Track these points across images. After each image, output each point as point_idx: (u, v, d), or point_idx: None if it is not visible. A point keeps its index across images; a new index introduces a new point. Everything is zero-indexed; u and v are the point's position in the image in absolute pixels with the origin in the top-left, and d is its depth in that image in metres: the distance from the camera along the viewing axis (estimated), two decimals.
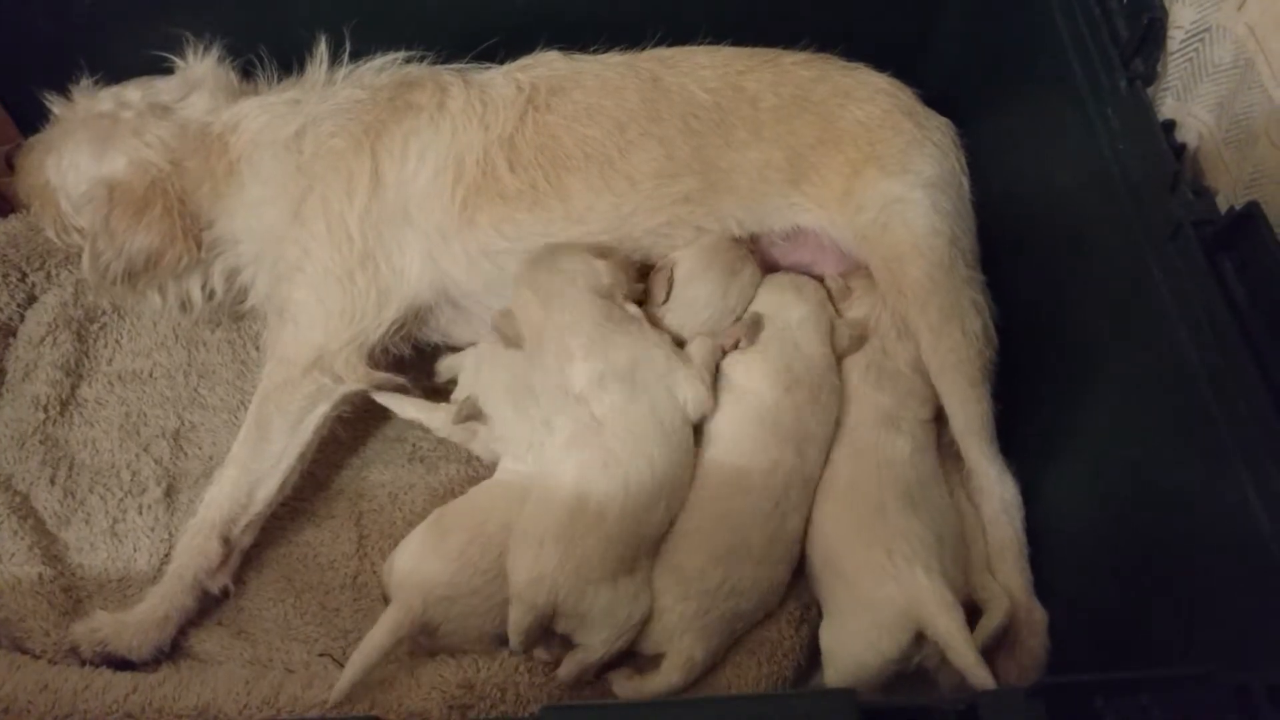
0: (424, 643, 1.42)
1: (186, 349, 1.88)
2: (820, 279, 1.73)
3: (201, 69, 1.73)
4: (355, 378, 1.63)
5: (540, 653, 1.41)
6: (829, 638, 1.41)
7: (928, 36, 1.91)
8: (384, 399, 1.68)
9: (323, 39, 1.73)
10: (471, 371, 1.69)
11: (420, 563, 1.43)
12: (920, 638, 1.32)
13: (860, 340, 1.63)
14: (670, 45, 1.77)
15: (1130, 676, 0.87)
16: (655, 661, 1.40)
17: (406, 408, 1.69)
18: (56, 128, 1.73)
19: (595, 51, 1.77)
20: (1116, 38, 1.40)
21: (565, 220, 1.65)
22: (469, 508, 1.53)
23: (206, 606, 1.58)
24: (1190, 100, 1.36)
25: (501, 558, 1.42)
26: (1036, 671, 1.41)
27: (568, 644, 1.40)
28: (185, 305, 1.77)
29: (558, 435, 1.48)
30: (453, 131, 1.65)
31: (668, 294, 1.64)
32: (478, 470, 1.72)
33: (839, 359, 1.63)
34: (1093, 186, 1.40)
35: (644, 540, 1.42)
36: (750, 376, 1.57)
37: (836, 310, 1.69)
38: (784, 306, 1.64)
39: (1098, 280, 1.40)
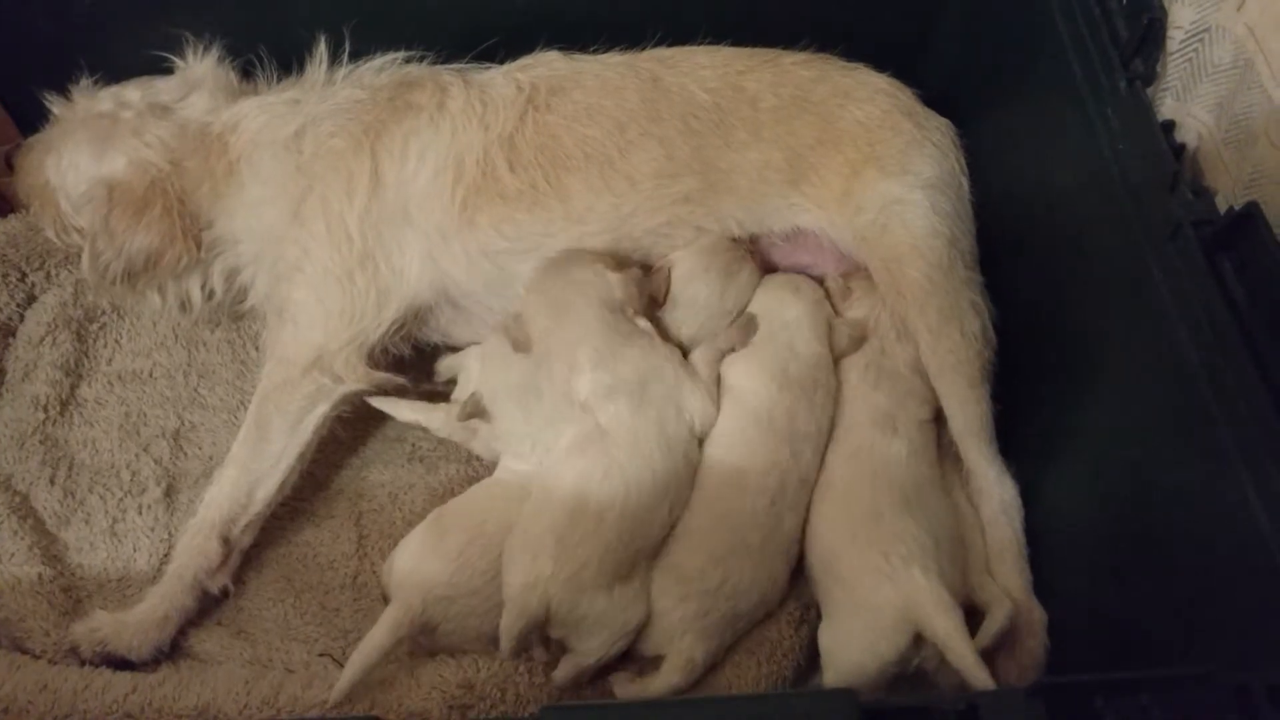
0: (424, 642, 1.42)
1: (186, 349, 1.88)
2: (820, 281, 1.73)
3: (201, 69, 1.73)
4: (355, 378, 1.62)
5: (538, 653, 1.41)
6: (827, 640, 1.41)
7: (928, 36, 1.91)
8: (381, 403, 1.68)
9: (323, 39, 1.73)
10: (474, 371, 1.68)
11: (420, 562, 1.43)
12: (918, 640, 1.32)
13: (859, 340, 1.63)
14: (670, 45, 1.77)
15: (1130, 676, 0.87)
16: (655, 663, 1.40)
17: (404, 411, 1.69)
18: (56, 128, 1.73)
19: (595, 51, 1.77)
20: (1116, 38, 1.40)
21: (565, 220, 1.65)
22: (468, 508, 1.53)
23: (206, 606, 1.58)
24: (1190, 100, 1.36)
25: (501, 558, 1.42)
26: (1036, 672, 1.41)
27: (563, 648, 1.40)
28: (185, 305, 1.77)
29: (560, 441, 1.48)
30: (453, 131, 1.65)
31: (665, 295, 1.64)
32: (477, 470, 1.72)
33: (837, 359, 1.63)
34: (1093, 186, 1.40)
35: (642, 548, 1.41)
36: (743, 376, 1.57)
37: (836, 311, 1.69)
38: (780, 306, 1.64)
39: (1098, 280, 1.40)
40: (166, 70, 1.75)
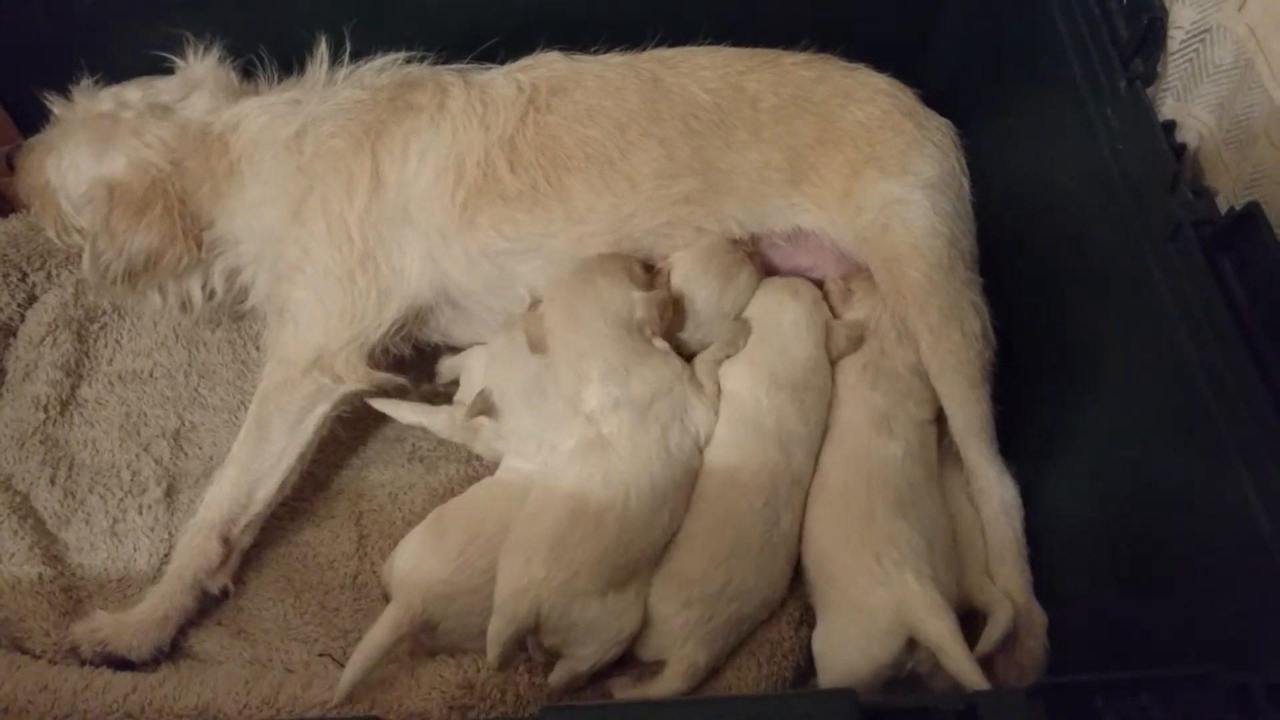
0: (424, 642, 1.42)
1: (186, 349, 1.88)
2: (820, 283, 1.73)
3: (201, 69, 1.73)
4: (355, 378, 1.62)
5: (536, 653, 1.40)
6: (822, 642, 1.41)
7: (928, 36, 1.91)
8: (383, 405, 1.68)
9: (323, 39, 1.73)
10: (476, 372, 1.69)
11: (420, 562, 1.43)
12: (912, 643, 1.32)
13: (857, 341, 1.63)
14: (670, 45, 1.77)
15: (1130, 676, 0.87)
16: (656, 668, 1.40)
17: (407, 413, 1.69)
18: (56, 128, 1.73)
19: (595, 52, 1.77)
20: (1116, 38, 1.40)
21: (566, 221, 1.65)
22: (468, 507, 1.53)
23: (206, 606, 1.58)
24: (1190, 100, 1.36)
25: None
26: (1036, 672, 1.41)
27: (558, 655, 1.40)
28: (185, 305, 1.77)
29: (562, 446, 1.48)
30: (453, 132, 1.65)
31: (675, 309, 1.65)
32: (477, 470, 1.72)
33: (836, 360, 1.63)
34: (1093, 186, 1.40)
35: (639, 556, 1.41)
36: (734, 379, 1.58)
37: (835, 313, 1.69)
38: (778, 309, 1.64)
39: (1098, 280, 1.40)
40: (167, 70, 1.75)
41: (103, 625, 1.49)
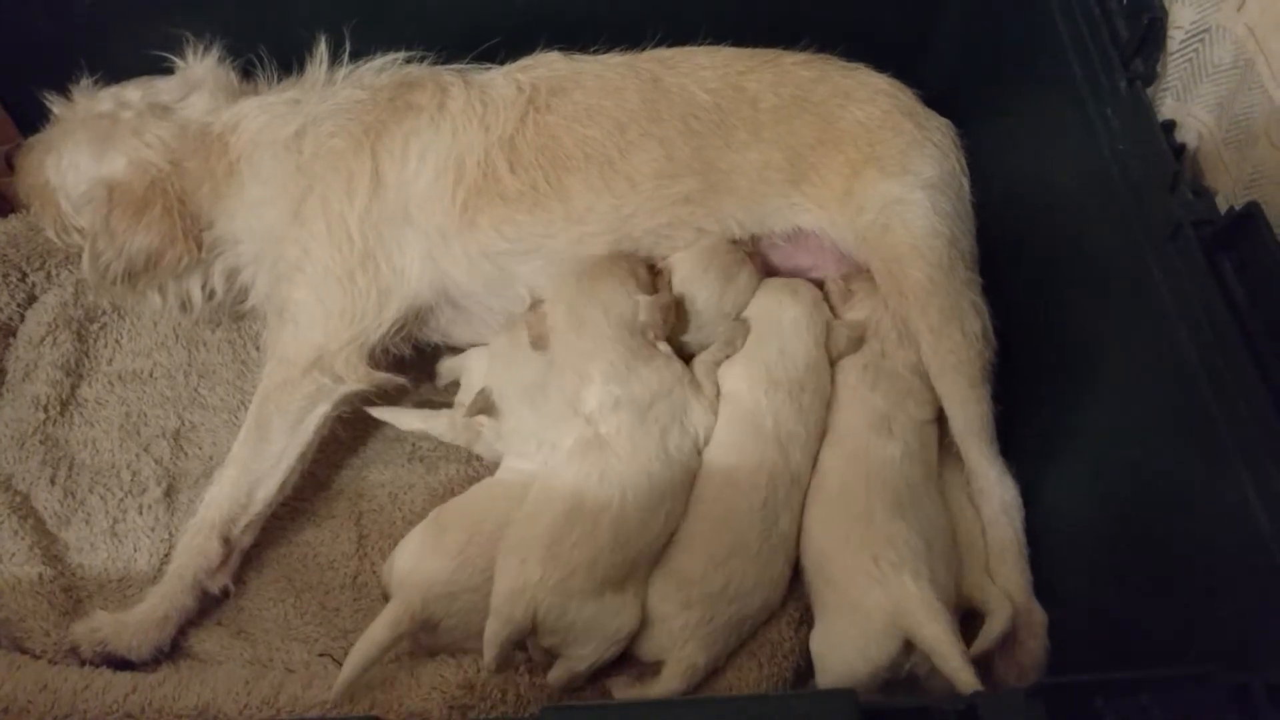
0: (424, 641, 1.42)
1: (186, 349, 1.88)
2: (820, 284, 1.73)
3: (201, 69, 1.73)
4: (355, 378, 1.62)
5: (535, 654, 1.40)
6: (819, 643, 1.41)
7: (928, 36, 1.91)
8: (383, 414, 1.69)
9: (323, 39, 1.73)
10: (476, 373, 1.69)
11: (419, 561, 1.44)
12: (909, 645, 1.32)
13: (858, 341, 1.63)
14: (670, 45, 1.77)
15: (1130, 676, 0.87)
16: (656, 668, 1.40)
17: (407, 419, 1.69)
18: (56, 128, 1.73)
19: (595, 52, 1.77)
20: (1116, 38, 1.40)
21: (565, 221, 1.65)
22: (468, 506, 1.53)
23: (206, 606, 1.58)
24: (1190, 100, 1.36)
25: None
26: (1036, 672, 1.41)
27: (556, 656, 1.40)
28: (185, 305, 1.77)
29: (561, 445, 1.48)
30: (453, 132, 1.65)
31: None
32: (477, 470, 1.72)
33: (836, 360, 1.63)
34: (1093, 186, 1.40)
35: (636, 556, 1.41)
36: (732, 380, 1.58)
37: (835, 313, 1.68)
38: (778, 309, 1.64)
39: (1098, 280, 1.40)
40: (166, 70, 1.75)
41: (103, 625, 1.49)
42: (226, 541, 1.56)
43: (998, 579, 1.48)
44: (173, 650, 1.53)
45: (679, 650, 1.38)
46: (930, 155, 1.68)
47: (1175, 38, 1.37)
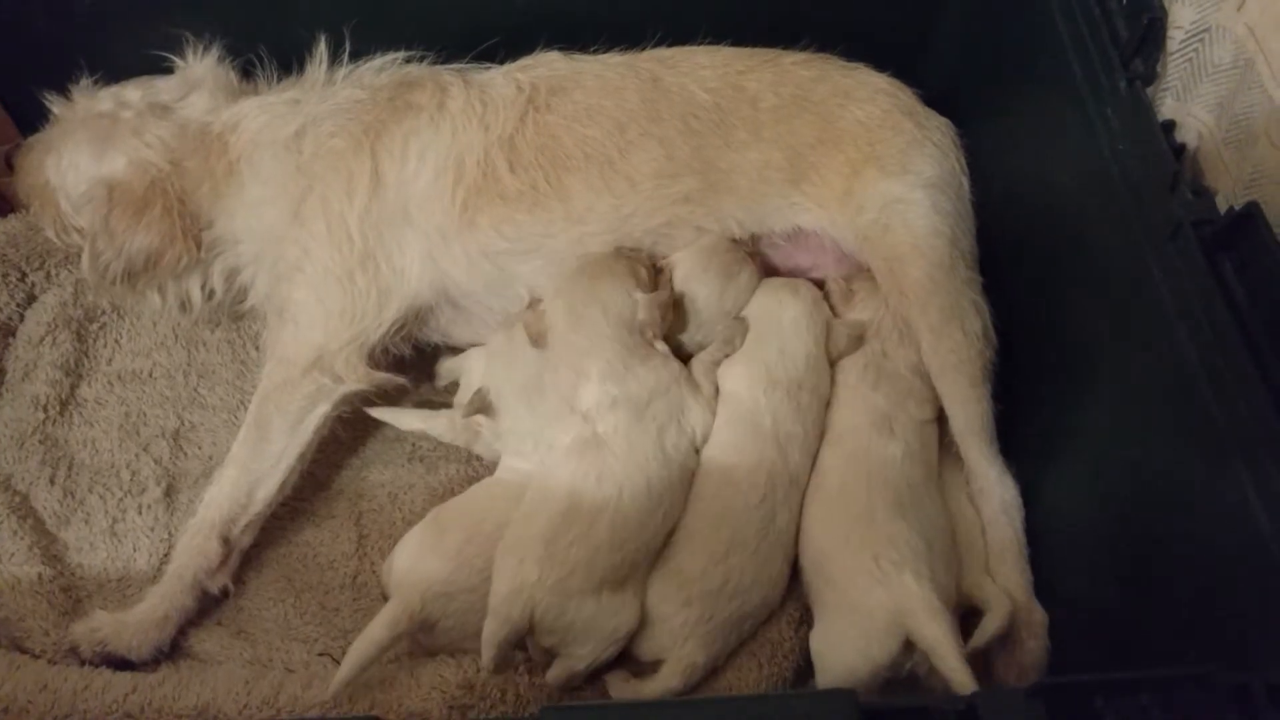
0: (423, 641, 1.42)
1: (186, 349, 1.88)
2: (820, 283, 1.73)
3: (201, 69, 1.73)
4: (355, 378, 1.62)
5: (535, 653, 1.40)
6: (819, 643, 1.41)
7: (928, 36, 1.91)
8: (383, 414, 1.69)
9: (322, 39, 1.73)
10: (475, 373, 1.69)
11: (418, 561, 1.44)
12: (910, 644, 1.32)
13: (858, 341, 1.63)
14: (670, 45, 1.77)
15: (1130, 676, 0.87)
16: (655, 666, 1.40)
17: (407, 420, 1.69)
18: (56, 127, 1.73)
19: (595, 51, 1.77)
20: (1116, 38, 1.40)
21: (565, 221, 1.65)
22: (467, 506, 1.53)
23: (206, 606, 1.58)
24: (1190, 100, 1.36)
25: None
26: (1036, 672, 1.41)
27: (554, 655, 1.40)
28: (185, 305, 1.77)
29: (557, 444, 1.48)
30: (453, 132, 1.65)
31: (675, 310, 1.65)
32: (477, 470, 1.72)
33: (836, 360, 1.63)
34: (1093, 186, 1.40)
35: (634, 556, 1.41)
36: (731, 378, 1.58)
37: (835, 313, 1.68)
38: (779, 308, 1.64)
39: (1098, 280, 1.40)
40: (166, 70, 1.75)
41: (102, 625, 1.49)
42: (226, 541, 1.56)
43: (998, 579, 1.48)
44: (172, 650, 1.53)
45: (678, 648, 1.38)
46: (930, 154, 1.68)
47: (1175, 38, 1.37)
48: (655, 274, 1.66)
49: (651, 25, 1.77)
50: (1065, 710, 0.87)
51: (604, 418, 1.47)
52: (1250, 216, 1.12)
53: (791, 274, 1.75)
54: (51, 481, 1.71)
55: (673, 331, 1.63)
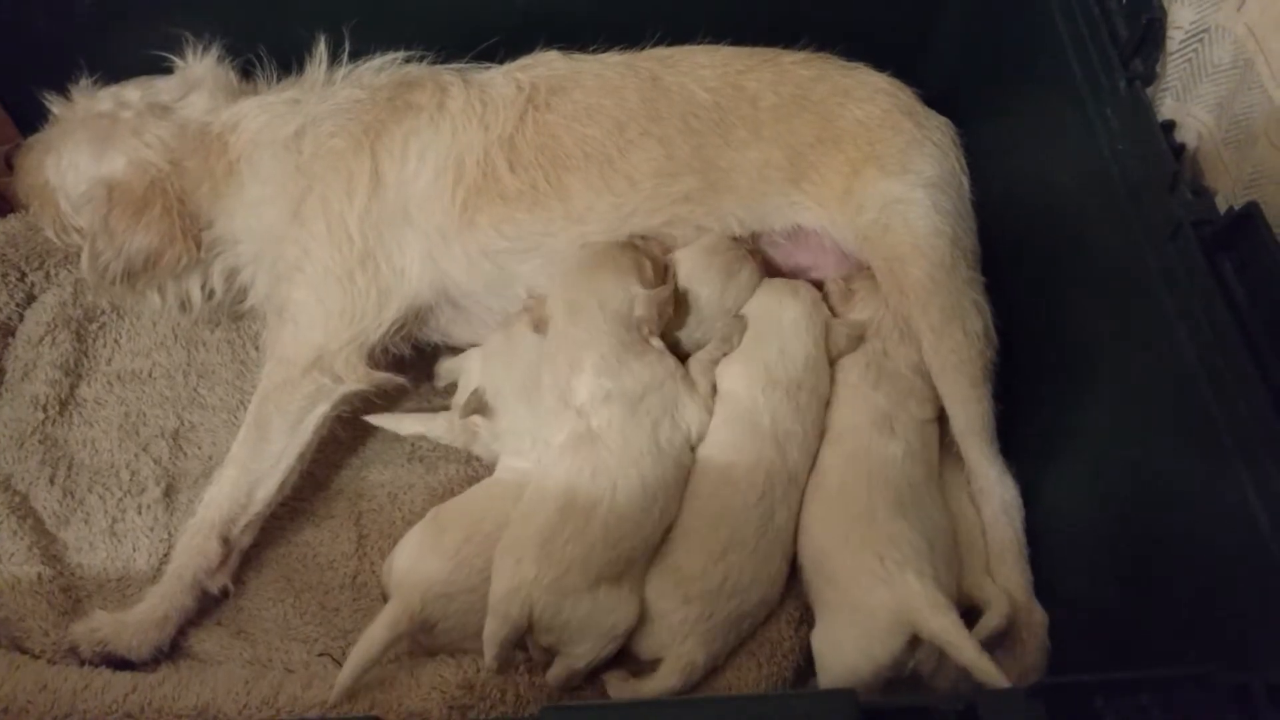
0: (423, 641, 1.42)
1: (186, 349, 1.88)
2: (820, 285, 1.72)
3: (201, 69, 1.73)
4: (355, 378, 1.62)
5: (535, 653, 1.41)
6: (820, 642, 1.41)
7: (928, 36, 1.91)
8: (381, 420, 1.69)
9: (322, 39, 1.73)
10: (474, 373, 1.69)
11: (418, 561, 1.44)
12: (913, 643, 1.32)
13: (857, 340, 1.63)
14: (670, 45, 1.77)
15: (1130, 676, 0.87)
16: (654, 665, 1.40)
17: (405, 424, 1.69)
18: (56, 127, 1.73)
19: (595, 51, 1.77)
20: (1116, 38, 1.40)
21: (565, 220, 1.65)
22: (467, 506, 1.53)
23: (206, 606, 1.58)
24: (1190, 100, 1.36)
25: None
26: (1036, 672, 1.41)
27: (554, 653, 1.40)
28: (185, 305, 1.77)
29: (554, 440, 1.48)
30: (453, 132, 1.65)
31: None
32: (477, 470, 1.72)
33: (835, 359, 1.63)
34: (1092, 186, 1.40)
35: (630, 552, 1.41)
36: (729, 377, 1.58)
37: (834, 313, 1.68)
38: (778, 306, 1.64)
39: (1098, 280, 1.40)
40: (166, 70, 1.75)
41: (102, 625, 1.49)
42: (226, 541, 1.56)
43: (998, 579, 1.48)
44: (172, 650, 1.53)
45: (678, 647, 1.38)
46: (930, 154, 1.68)
47: (1175, 38, 1.37)
48: (663, 266, 1.65)
49: (651, 25, 1.77)
50: (1065, 710, 0.87)
51: (598, 412, 1.47)
52: (1250, 216, 1.12)
53: (792, 273, 1.75)
54: (51, 481, 1.70)
55: (673, 328, 1.63)
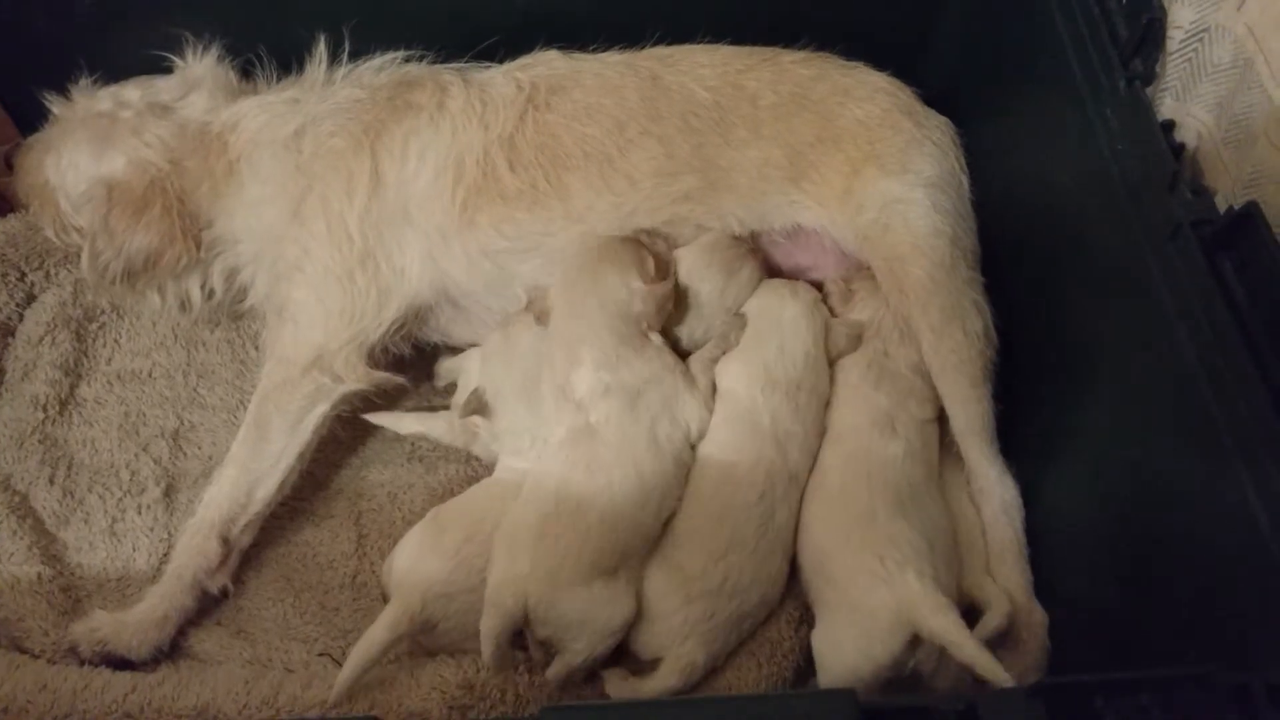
0: (423, 641, 1.42)
1: (186, 349, 1.88)
2: (820, 285, 1.72)
3: (201, 68, 1.73)
4: (355, 377, 1.62)
5: (534, 652, 1.41)
6: (820, 642, 1.40)
7: (928, 36, 1.91)
8: (381, 419, 1.69)
9: (322, 38, 1.73)
10: (474, 373, 1.69)
11: (418, 561, 1.44)
12: (913, 643, 1.32)
13: (856, 340, 1.63)
14: (669, 44, 1.77)
15: (1130, 676, 0.87)
16: (654, 664, 1.40)
17: (405, 424, 1.69)
18: (56, 127, 1.73)
19: (595, 51, 1.77)
20: (1116, 38, 1.40)
21: (565, 219, 1.65)
22: (467, 506, 1.53)
23: (206, 606, 1.58)
24: (1189, 100, 1.36)
25: None
26: (1036, 672, 1.41)
27: (553, 649, 1.40)
28: (185, 305, 1.77)
29: (553, 437, 1.48)
30: (453, 131, 1.65)
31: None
32: (476, 470, 1.72)
33: (835, 359, 1.63)
34: (1092, 186, 1.40)
35: (626, 548, 1.41)
36: (729, 377, 1.58)
37: (834, 313, 1.68)
38: (778, 305, 1.64)
39: (1098, 280, 1.40)
40: (166, 70, 1.75)
41: (102, 625, 1.49)
42: (225, 541, 1.56)
43: (998, 579, 1.48)
44: (172, 650, 1.53)
45: (678, 646, 1.38)
46: (930, 154, 1.68)
47: (1175, 38, 1.37)
48: (666, 262, 1.65)
49: (651, 24, 1.77)
50: (1065, 710, 0.87)
51: (596, 406, 1.47)
52: (1250, 216, 1.12)
53: (792, 273, 1.75)
54: (51, 481, 1.70)
55: (673, 325, 1.63)
